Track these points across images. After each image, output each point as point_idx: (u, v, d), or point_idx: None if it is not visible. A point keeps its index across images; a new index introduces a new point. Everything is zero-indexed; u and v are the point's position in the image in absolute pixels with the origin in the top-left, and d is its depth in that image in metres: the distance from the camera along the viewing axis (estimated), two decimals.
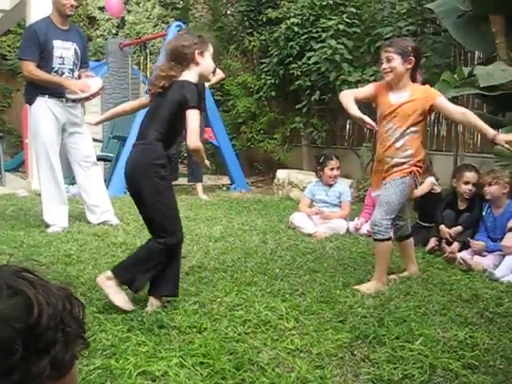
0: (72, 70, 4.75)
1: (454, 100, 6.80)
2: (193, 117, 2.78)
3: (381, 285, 3.24)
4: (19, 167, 9.87)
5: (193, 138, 2.77)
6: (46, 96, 4.63)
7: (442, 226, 4.33)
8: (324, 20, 7.11)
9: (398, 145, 3.30)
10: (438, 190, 4.66)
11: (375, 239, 3.33)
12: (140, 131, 2.97)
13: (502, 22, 4.99)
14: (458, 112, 3.31)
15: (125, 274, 2.83)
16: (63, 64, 4.67)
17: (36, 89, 4.64)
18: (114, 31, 12.60)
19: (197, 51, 2.90)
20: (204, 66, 2.94)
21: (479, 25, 5.25)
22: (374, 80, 6.54)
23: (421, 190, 4.51)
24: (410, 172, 3.28)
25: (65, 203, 4.87)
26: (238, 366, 2.15)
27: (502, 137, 3.16)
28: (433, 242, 4.34)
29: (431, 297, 3.10)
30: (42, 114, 4.65)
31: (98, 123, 3.74)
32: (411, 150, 3.28)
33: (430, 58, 6.33)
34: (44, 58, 4.58)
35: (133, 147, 2.99)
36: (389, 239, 3.29)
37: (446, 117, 7.09)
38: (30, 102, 4.72)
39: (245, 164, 8.68)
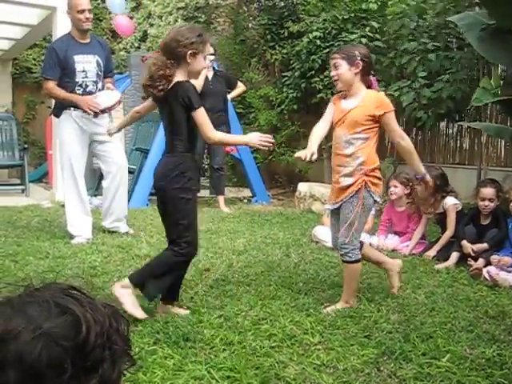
0: (96, 82, 4.86)
1: (479, 113, 6.79)
2: (198, 115, 2.83)
3: (348, 307, 3.07)
4: (43, 178, 9.99)
5: (206, 131, 2.84)
6: (72, 109, 4.75)
7: (464, 242, 4.31)
8: (346, 34, 7.13)
9: (347, 151, 3.12)
10: (459, 207, 4.64)
11: (344, 261, 3.15)
12: (166, 142, 3.01)
13: None
14: (400, 136, 3.19)
15: (138, 277, 2.89)
16: (86, 77, 4.80)
17: (62, 103, 4.79)
18: (136, 44, 12.74)
19: (189, 52, 2.84)
20: (193, 67, 2.90)
21: (502, 38, 5.22)
22: (399, 95, 6.54)
23: (451, 221, 4.53)
24: (362, 183, 3.09)
25: (88, 214, 4.94)
26: (265, 380, 2.15)
27: (429, 179, 3.36)
28: (455, 257, 4.32)
29: (457, 313, 3.07)
30: (68, 127, 4.78)
31: (111, 134, 3.76)
32: (362, 158, 3.09)
33: (455, 73, 6.31)
34: (67, 74, 4.73)
35: (162, 157, 3.05)
36: (358, 261, 3.13)
37: (467, 130, 7.08)
38: (58, 115, 4.88)
39: (266, 177, 8.70)
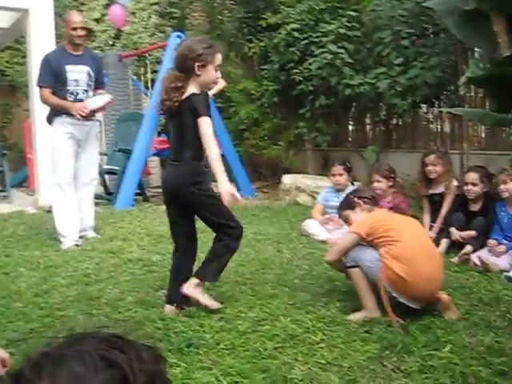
0: (86, 91, 5.07)
1: (458, 97, 6.86)
2: (203, 123, 2.88)
3: (370, 313, 2.89)
4: (22, 182, 9.88)
5: (209, 141, 2.88)
6: (64, 116, 4.94)
7: (453, 229, 4.36)
8: (324, 24, 7.14)
9: None
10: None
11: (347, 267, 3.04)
12: (173, 150, 3.12)
13: (503, 22, 5.01)
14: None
15: (201, 270, 3.13)
16: (77, 86, 5.02)
17: (55, 110, 4.99)
18: (110, 42, 12.58)
19: (197, 64, 2.93)
20: (203, 79, 2.99)
21: (480, 22, 5.27)
22: (376, 82, 6.58)
23: (449, 201, 4.59)
24: None
25: (76, 219, 5.00)
26: (273, 383, 2.17)
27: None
28: (445, 245, 4.37)
29: (453, 301, 3.11)
30: (61, 133, 4.95)
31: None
32: None
33: (429, 59, 6.37)
34: (60, 82, 4.96)
35: (168, 166, 3.17)
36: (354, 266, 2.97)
37: (447, 115, 7.15)
38: (50, 121, 5.05)
39: (249, 170, 8.69)
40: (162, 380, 0.79)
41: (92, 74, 5.09)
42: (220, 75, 3.14)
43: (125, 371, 0.73)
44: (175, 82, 2.97)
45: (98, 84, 5.22)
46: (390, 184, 4.88)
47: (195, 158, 3.00)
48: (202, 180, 3.03)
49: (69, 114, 4.89)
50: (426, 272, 2.82)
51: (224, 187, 2.86)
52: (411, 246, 2.86)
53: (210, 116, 2.93)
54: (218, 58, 3.05)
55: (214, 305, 3.02)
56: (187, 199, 3.06)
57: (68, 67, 4.95)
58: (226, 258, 3.14)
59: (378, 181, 4.86)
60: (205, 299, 3.02)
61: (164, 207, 6.59)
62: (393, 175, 4.92)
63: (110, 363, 0.73)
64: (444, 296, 2.93)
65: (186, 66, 2.96)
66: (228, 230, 3.09)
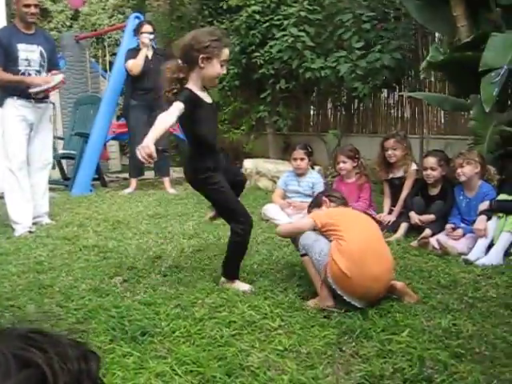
0: (38, 72, 4.87)
1: (418, 82, 6.90)
2: (173, 105, 2.80)
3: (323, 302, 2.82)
4: None
5: (162, 116, 2.82)
6: (15, 97, 4.76)
7: (412, 213, 4.39)
8: (285, 7, 7.06)
9: None
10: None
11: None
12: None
13: (463, 6, 5.02)
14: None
15: (222, 271, 3.17)
16: (29, 66, 4.81)
17: (6, 91, 4.78)
18: (68, 23, 12.25)
19: (202, 55, 2.83)
20: (206, 72, 2.89)
21: (440, 7, 5.27)
22: (337, 65, 6.56)
23: (408, 184, 4.60)
24: None
25: (29, 202, 4.85)
26: (229, 371, 2.11)
27: None
28: (404, 229, 4.39)
29: (411, 285, 3.11)
30: (12, 115, 4.77)
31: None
32: None
33: (389, 43, 6.37)
34: (11, 61, 4.74)
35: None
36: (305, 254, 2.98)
37: (408, 99, 7.19)
38: (1, 103, 4.84)
39: None
40: (92, 379, 0.71)
41: (45, 55, 4.88)
42: (225, 71, 3.03)
43: (43, 372, 0.64)
44: (177, 72, 2.89)
45: (51, 66, 4.98)
46: (355, 165, 4.91)
47: (193, 156, 3.05)
48: (206, 176, 3.01)
49: (22, 95, 4.70)
50: (372, 273, 2.75)
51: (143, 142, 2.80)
52: (361, 245, 2.80)
53: (182, 102, 2.81)
54: (226, 52, 2.93)
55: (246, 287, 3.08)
56: (198, 190, 3.17)
57: (19, 46, 4.73)
58: (238, 254, 3.17)
59: (344, 161, 4.92)
60: (241, 286, 3.09)
61: (121, 192, 6.48)
62: (357, 156, 4.97)
63: (25, 363, 0.64)
64: (399, 284, 2.92)
65: (190, 57, 2.86)
66: (235, 225, 3.09)
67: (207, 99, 3.00)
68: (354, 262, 2.74)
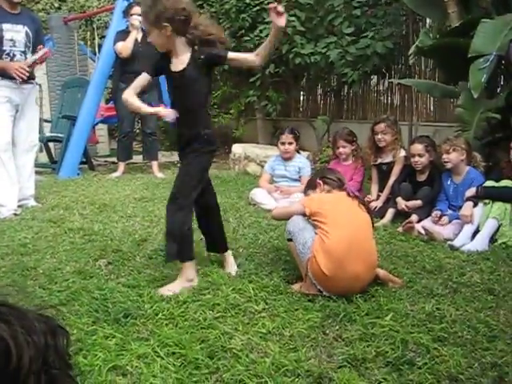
0: (24, 52, 4.77)
1: (408, 69, 6.88)
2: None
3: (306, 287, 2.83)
4: None
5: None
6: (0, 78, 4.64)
7: (399, 198, 4.39)
8: None
9: None
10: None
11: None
12: None
13: None
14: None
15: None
16: (14, 46, 4.71)
17: None
18: (56, 5, 12.08)
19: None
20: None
21: None
22: (327, 51, 6.52)
23: (396, 172, 4.60)
24: None
25: (14, 184, 4.79)
26: (211, 354, 2.10)
27: None
28: (391, 214, 4.40)
29: (397, 270, 3.12)
30: None
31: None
32: None
33: (381, 29, 6.34)
34: None
35: None
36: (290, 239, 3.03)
37: (398, 86, 7.18)
38: None
39: None
40: (59, 354, 0.69)
41: (30, 35, 4.78)
42: None
43: (7, 345, 0.63)
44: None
45: (36, 46, 4.84)
46: (353, 148, 4.95)
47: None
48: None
49: (5, 76, 4.59)
50: (354, 272, 2.70)
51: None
52: (345, 245, 2.72)
53: (148, 74, 2.87)
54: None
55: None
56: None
57: (5, 26, 4.63)
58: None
59: (343, 146, 5.00)
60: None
61: (109, 176, 6.43)
62: (355, 139, 5.04)
63: None
64: (381, 272, 2.92)
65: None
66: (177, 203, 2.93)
67: (175, 67, 2.88)
68: (335, 262, 2.69)
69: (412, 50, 5.21)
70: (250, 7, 7.30)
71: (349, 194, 3.01)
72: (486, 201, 3.83)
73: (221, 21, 7.92)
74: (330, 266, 2.68)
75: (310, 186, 3.25)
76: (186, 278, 2.84)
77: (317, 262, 2.70)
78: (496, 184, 3.89)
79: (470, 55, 4.28)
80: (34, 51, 4.82)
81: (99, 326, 2.35)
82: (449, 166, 4.15)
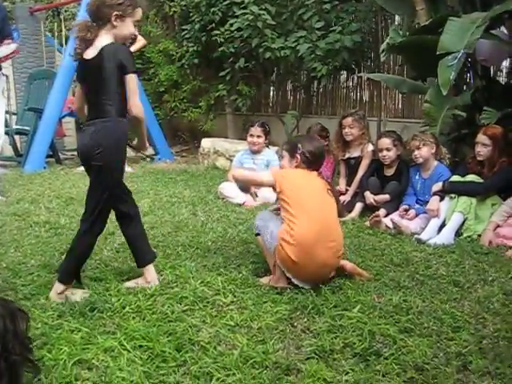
0: None
1: (377, 65, 6.94)
2: (133, 80, 2.63)
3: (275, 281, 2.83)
4: None
5: (135, 98, 2.62)
6: None
7: (367, 192, 4.43)
8: None
9: None
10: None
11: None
12: (92, 107, 2.70)
13: None
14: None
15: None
16: None
17: None
18: None
19: (115, 13, 2.63)
20: (119, 32, 2.67)
21: None
22: (297, 45, 6.52)
23: (364, 165, 4.63)
24: None
25: None
26: (179, 346, 2.09)
27: None
28: (359, 208, 4.43)
29: (364, 263, 3.15)
30: None
31: None
32: None
33: (349, 24, 6.38)
34: None
35: (86, 125, 2.71)
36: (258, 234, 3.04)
37: (367, 82, 7.23)
38: None
39: (168, 134, 8.48)
40: (18, 339, 0.68)
41: None
42: (137, 32, 2.85)
43: None
44: (85, 32, 2.64)
45: (3, 35, 4.76)
46: (326, 143, 4.95)
47: (120, 115, 2.64)
48: (125, 143, 2.75)
49: None
50: (321, 258, 2.71)
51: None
52: (312, 234, 2.71)
53: (136, 72, 2.70)
54: (139, 12, 2.77)
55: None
56: (102, 165, 2.68)
57: None
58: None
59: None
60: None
61: (76, 170, 6.34)
62: (328, 135, 5.10)
63: None
64: (349, 265, 2.94)
65: (101, 14, 2.63)
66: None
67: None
68: (303, 249, 2.69)
69: (383, 46, 5.25)
70: (220, 1, 7.25)
71: (320, 175, 2.99)
72: (452, 195, 3.89)
73: (191, 14, 7.87)
74: (297, 253, 2.69)
75: (291, 150, 3.03)
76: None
77: (284, 250, 2.70)
78: (462, 179, 3.95)
79: (438, 52, 4.32)
80: (0, 40, 4.71)
81: (64, 320, 2.31)
82: (420, 161, 4.19)
